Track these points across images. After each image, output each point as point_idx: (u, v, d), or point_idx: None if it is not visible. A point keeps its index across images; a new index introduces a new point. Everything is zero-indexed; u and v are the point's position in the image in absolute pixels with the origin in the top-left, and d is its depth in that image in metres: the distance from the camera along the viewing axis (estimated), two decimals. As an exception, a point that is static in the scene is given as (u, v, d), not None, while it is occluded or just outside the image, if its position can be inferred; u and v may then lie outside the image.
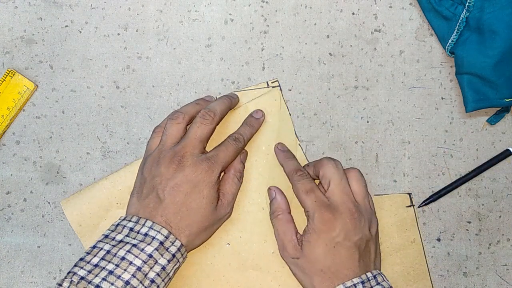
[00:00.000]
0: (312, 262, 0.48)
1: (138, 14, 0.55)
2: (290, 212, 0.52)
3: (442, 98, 0.56)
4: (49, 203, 0.55)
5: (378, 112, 0.56)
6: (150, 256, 0.46)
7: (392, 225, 0.54)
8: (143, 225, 0.47)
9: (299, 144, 0.55)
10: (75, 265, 0.46)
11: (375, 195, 0.55)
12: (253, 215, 0.53)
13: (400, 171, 0.56)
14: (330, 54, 0.56)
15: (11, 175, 0.55)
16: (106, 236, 0.48)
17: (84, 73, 0.55)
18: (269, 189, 0.53)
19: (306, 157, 0.55)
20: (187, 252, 0.49)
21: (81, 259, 0.46)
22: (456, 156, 0.56)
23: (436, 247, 0.56)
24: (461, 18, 0.52)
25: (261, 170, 0.54)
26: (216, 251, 0.53)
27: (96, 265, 0.45)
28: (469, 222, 0.56)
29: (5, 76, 0.54)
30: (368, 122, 0.56)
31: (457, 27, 0.52)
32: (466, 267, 0.55)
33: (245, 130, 0.53)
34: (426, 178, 0.56)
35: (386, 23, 0.56)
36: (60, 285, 0.44)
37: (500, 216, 0.56)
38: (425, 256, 0.54)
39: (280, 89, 0.55)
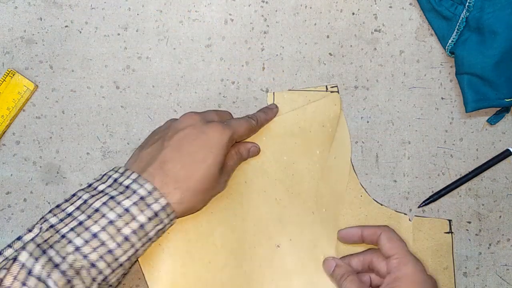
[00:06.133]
0: None
1: (138, 14, 0.55)
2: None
3: (442, 98, 0.56)
4: (49, 203, 0.54)
5: (378, 112, 0.56)
6: (127, 210, 0.43)
7: (428, 248, 0.54)
8: (128, 177, 0.45)
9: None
10: (50, 211, 0.44)
11: (415, 216, 0.55)
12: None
13: (400, 171, 0.56)
14: (330, 54, 0.56)
15: (11, 175, 0.55)
16: (90, 185, 0.46)
17: (84, 73, 0.55)
18: (326, 260, 0.51)
19: (355, 173, 0.55)
20: (176, 217, 0.46)
21: (58, 206, 0.44)
22: (456, 156, 0.56)
23: (436, 247, 0.56)
24: (461, 18, 0.52)
25: (314, 174, 0.53)
26: (268, 254, 0.52)
27: (69, 214, 0.43)
28: (469, 222, 0.56)
29: (5, 76, 0.54)
30: (368, 122, 0.56)
31: (457, 27, 0.52)
32: (466, 267, 0.55)
33: (260, 114, 0.53)
34: (426, 178, 0.56)
35: (386, 23, 0.56)
36: (30, 230, 0.42)
37: (500, 216, 0.56)
38: (455, 285, 0.54)
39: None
